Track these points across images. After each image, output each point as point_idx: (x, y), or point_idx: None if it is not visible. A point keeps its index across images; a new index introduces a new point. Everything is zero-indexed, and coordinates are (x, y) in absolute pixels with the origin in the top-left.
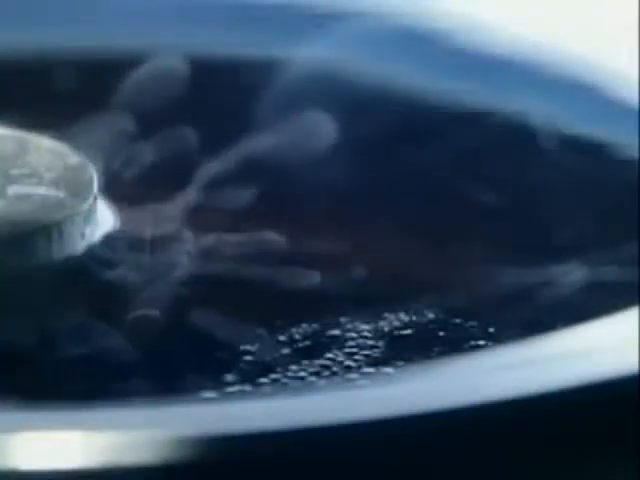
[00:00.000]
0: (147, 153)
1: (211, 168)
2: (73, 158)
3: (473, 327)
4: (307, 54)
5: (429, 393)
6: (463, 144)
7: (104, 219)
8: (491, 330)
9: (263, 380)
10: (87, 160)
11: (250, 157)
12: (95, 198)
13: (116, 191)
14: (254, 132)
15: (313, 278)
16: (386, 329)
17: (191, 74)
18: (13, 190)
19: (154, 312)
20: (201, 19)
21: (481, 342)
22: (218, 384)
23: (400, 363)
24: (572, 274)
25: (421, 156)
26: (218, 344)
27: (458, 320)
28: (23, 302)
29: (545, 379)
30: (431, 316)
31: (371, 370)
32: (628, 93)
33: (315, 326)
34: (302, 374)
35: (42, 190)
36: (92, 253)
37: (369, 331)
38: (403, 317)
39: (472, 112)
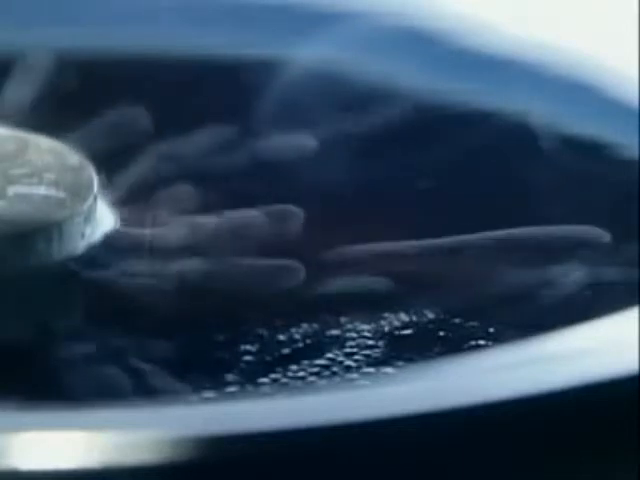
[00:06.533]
0: (147, 153)
1: (211, 168)
2: (73, 158)
3: (473, 327)
4: (307, 54)
5: (429, 393)
6: (463, 144)
7: (104, 219)
8: (491, 330)
9: (263, 380)
10: (87, 160)
11: (249, 157)
12: (95, 198)
13: (117, 191)
14: (254, 132)
15: (313, 278)
16: (386, 329)
17: (191, 74)
18: (13, 190)
19: (153, 312)
20: (201, 19)
21: (481, 342)
22: (218, 384)
23: (400, 363)
24: (572, 274)
25: (421, 156)
26: (218, 344)
27: (458, 320)
28: (23, 302)
29: (545, 379)
30: (431, 316)
31: (371, 370)
32: (628, 93)
33: (315, 326)
34: (302, 374)
35: (42, 190)
36: (92, 253)
37: (369, 331)
38: (403, 317)
39: (472, 112)
